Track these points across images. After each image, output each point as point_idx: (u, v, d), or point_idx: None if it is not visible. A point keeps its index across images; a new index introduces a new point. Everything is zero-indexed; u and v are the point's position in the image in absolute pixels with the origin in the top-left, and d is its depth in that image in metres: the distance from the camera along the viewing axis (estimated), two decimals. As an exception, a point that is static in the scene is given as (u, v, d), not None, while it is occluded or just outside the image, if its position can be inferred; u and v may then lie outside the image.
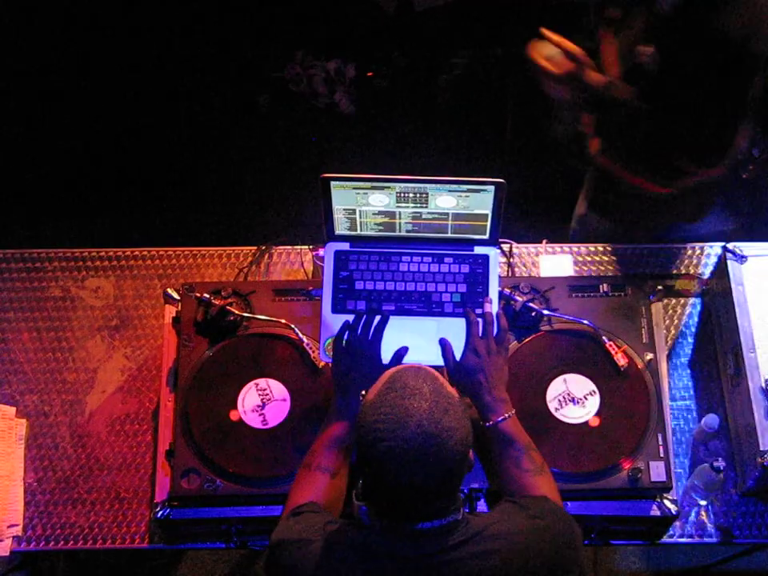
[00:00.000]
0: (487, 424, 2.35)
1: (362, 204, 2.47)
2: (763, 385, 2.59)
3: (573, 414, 2.59)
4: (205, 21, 4.76)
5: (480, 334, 2.42)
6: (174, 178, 4.63)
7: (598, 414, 2.58)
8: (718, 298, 2.88)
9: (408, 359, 2.42)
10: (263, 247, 3.06)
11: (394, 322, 2.46)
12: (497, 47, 4.73)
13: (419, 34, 4.84)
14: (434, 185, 2.41)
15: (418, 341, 2.47)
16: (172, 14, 4.70)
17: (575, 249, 3.04)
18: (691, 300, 2.96)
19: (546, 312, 2.68)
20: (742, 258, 2.78)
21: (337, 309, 2.52)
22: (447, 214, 2.48)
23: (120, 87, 4.68)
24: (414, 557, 1.93)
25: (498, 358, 2.41)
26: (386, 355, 2.43)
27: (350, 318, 2.43)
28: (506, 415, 2.34)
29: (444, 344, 2.42)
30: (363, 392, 2.30)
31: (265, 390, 2.63)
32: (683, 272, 2.99)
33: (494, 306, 2.52)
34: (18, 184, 4.55)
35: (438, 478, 1.85)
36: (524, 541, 1.97)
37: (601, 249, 3.04)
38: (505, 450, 2.32)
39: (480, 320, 2.44)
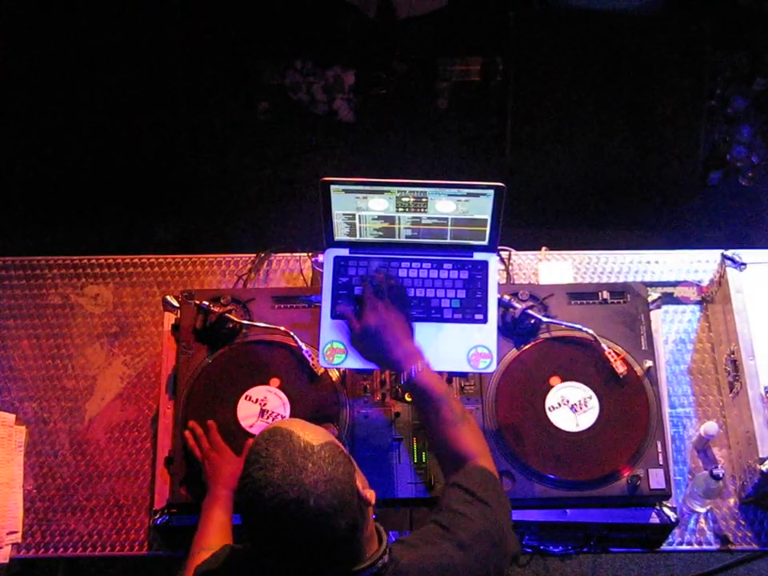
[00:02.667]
0: (402, 381, 2.32)
1: (362, 209, 2.47)
2: (762, 392, 2.59)
3: (572, 422, 2.58)
4: (204, 29, 4.76)
5: (374, 294, 2.41)
6: (173, 186, 4.63)
7: (597, 421, 2.58)
8: (717, 305, 2.88)
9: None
10: (262, 254, 3.06)
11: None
12: (494, 54, 4.73)
13: (412, 39, 4.84)
14: (433, 189, 2.41)
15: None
16: (171, 22, 4.69)
17: (575, 256, 3.04)
18: (690, 307, 2.96)
19: (545, 319, 2.68)
20: (741, 265, 2.78)
21: (336, 315, 2.52)
22: (447, 219, 2.48)
23: (119, 94, 4.67)
24: None
25: (398, 313, 2.39)
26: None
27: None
28: (418, 367, 2.29)
29: (343, 312, 2.43)
30: None
31: (264, 397, 2.63)
32: (682, 279, 2.99)
33: (491, 310, 2.52)
34: (17, 191, 4.55)
35: (317, 534, 1.78)
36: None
37: (600, 256, 3.04)
38: (425, 403, 2.30)
39: (372, 279, 2.46)
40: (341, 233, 2.55)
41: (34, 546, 2.71)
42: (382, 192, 2.42)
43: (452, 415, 2.26)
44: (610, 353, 2.62)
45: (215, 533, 2.34)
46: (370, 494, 1.88)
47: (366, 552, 1.90)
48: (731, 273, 2.77)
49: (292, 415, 2.61)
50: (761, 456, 2.52)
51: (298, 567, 1.85)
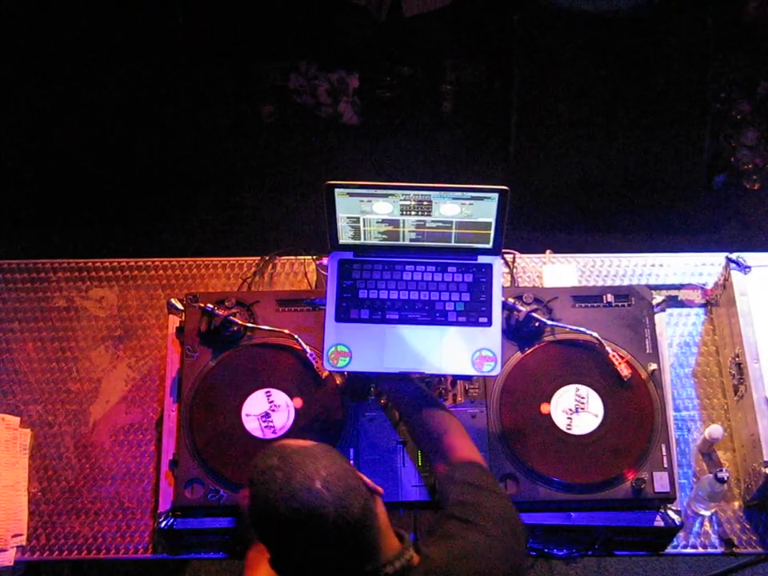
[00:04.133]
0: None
1: (366, 212, 2.47)
2: (767, 395, 2.58)
3: (576, 425, 2.58)
4: (208, 32, 4.76)
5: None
6: (177, 189, 4.64)
7: (601, 424, 2.58)
8: (721, 308, 2.88)
9: (410, 368, 2.44)
10: (267, 257, 3.06)
11: (398, 331, 2.47)
12: (499, 58, 4.73)
13: (417, 42, 4.84)
14: (437, 192, 2.41)
15: (421, 350, 2.47)
16: (175, 25, 4.70)
17: (579, 259, 3.04)
18: (695, 310, 2.96)
19: (549, 322, 2.68)
20: (745, 268, 2.78)
21: (340, 318, 2.52)
22: (451, 222, 2.48)
23: (123, 97, 4.69)
24: None
25: None
26: (389, 364, 2.44)
27: (355, 326, 2.47)
28: None
29: None
30: None
31: (268, 400, 2.64)
32: (687, 282, 2.99)
33: (495, 313, 2.52)
34: (22, 194, 4.56)
35: (332, 520, 1.79)
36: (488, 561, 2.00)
37: (604, 259, 3.04)
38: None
39: None
40: (345, 236, 2.55)
41: (38, 548, 2.72)
42: (386, 195, 2.42)
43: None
44: (614, 356, 2.62)
45: None
46: (378, 488, 1.92)
47: (387, 549, 1.91)
48: (736, 276, 2.77)
49: (296, 419, 2.61)
50: (765, 459, 2.51)
51: (320, 571, 1.87)
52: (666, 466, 2.54)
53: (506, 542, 2.05)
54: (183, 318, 2.77)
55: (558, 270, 2.99)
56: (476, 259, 2.57)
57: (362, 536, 1.84)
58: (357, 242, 2.56)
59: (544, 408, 2.60)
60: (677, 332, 2.92)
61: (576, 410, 2.60)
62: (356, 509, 1.81)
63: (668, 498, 2.54)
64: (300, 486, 1.78)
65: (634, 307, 2.73)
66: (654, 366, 2.64)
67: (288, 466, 1.82)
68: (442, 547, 2.00)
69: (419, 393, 2.47)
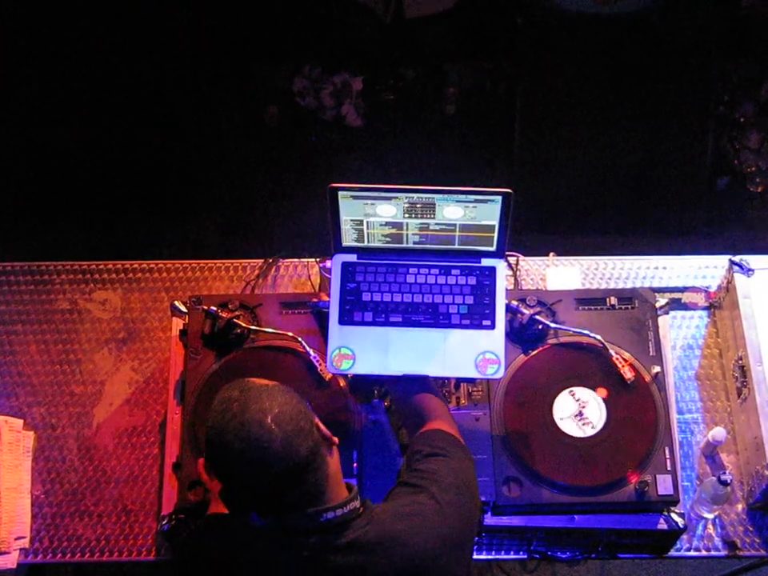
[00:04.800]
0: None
1: (370, 215, 2.47)
2: (770, 398, 2.59)
3: (580, 427, 2.58)
4: (212, 34, 4.77)
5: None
6: (181, 191, 4.64)
7: (604, 427, 2.58)
8: (725, 310, 2.88)
9: (414, 371, 2.43)
10: (270, 260, 3.06)
11: (401, 333, 2.47)
12: (503, 59, 4.74)
13: (420, 44, 4.84)
14: (441, 195, 2.41)
15: (424, 352, 2.47)
16: (179, 27, 4.71)
17: (582, 262, 3.04)
18: (698, 313, 2.96)
19: (552, 325, 2.68)
20: (748, 271, 2.78)
21: (344, 320, 2.52)
22: (454, 225, 2.48)
23: (127, 99, 4.69)
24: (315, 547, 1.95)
25: None
26: (392, 367, 2.44)
27: (358, 329, 2.47)
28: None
29: None
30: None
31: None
32: (690, 285, 2.99)
33: (499, 316, 2.52)
34: (26, 197, 4.56)
35: (279, 456, 1.85)
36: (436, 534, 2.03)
37: (608, 262, 3.04)
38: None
39: None
40: (349, 239, 2.55)
41: (41, 551, 2.72)
42: (389, 198, 2.42)
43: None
44: (617, 358, 2.62)
45: None
46: (334, 438, 2.00)
47: (334, 496, 1.96)
48: (739, 279, 2.77)
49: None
50: (769, 462, 2.52)
51: (266, 507, 1.94)
52: (669, 468, 2.54)
53: (458, 508, 2.08)
54: (187, 320, 2.77)
55: (562, 273, 2.99)
56: (479, 262, 2.57)
57: (307, 478, 1.90)
58: (360, 244, 2.56)
59: (547, 411, 2.60)
60: (680, 335, 2.92)
61: (580, 412, 2.60)
62: (303, 450, 1.87)
63: (671, 501, 2.54)
64: (251, 419, 1.86)
65: (637, 310, 2.73)
66: (657, 369, 2.64)
67: (245, 398, 1.91)
68: (387, 505, 2.06)
69: (420, 383, 2.47)
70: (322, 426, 1.98)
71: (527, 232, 3.95)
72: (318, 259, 2.98)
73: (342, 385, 2.67)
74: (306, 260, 3.07)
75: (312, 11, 4.74)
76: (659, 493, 2.51)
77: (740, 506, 2.70)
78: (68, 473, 2.80)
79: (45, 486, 2.79)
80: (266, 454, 1.85)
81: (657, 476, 2.53)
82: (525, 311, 2.67)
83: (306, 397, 2.58)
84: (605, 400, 2.60)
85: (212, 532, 2.11)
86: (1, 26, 4.48)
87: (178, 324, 2.80)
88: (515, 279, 3.00)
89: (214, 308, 2.70)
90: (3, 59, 4.53)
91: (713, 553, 2.67)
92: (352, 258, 2.58)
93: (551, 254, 3.05)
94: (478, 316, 2.52)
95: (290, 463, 1.86)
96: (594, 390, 2.62)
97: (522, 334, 2.70)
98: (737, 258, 2.80)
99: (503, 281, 2.56)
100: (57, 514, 2.76)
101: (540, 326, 2.68)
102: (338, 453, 2.02)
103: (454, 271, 2.56)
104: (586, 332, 2.66)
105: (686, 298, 2.98)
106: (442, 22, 4.74)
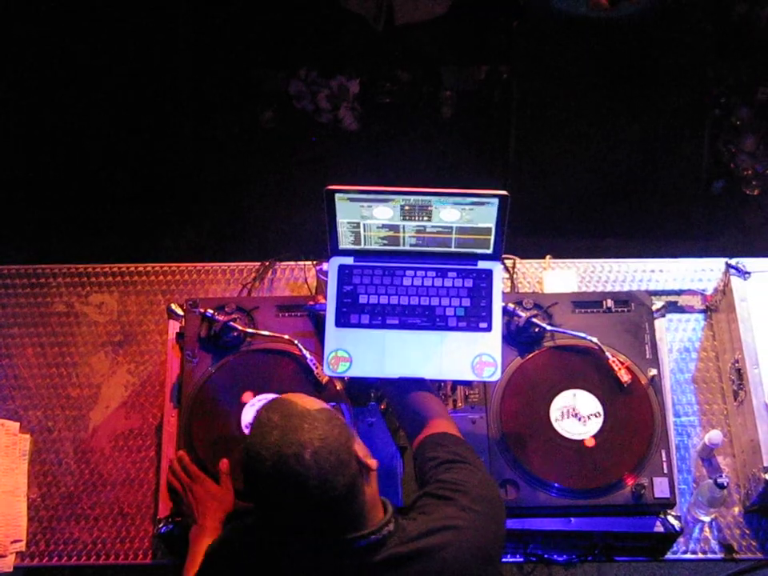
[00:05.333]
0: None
1: (367, 217, 2.47)
2: (767, 401, 2.58)
3: (576, 430, 2.58)
4: (209, 38, 4.77)
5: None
6: (178, 194, 4.64)
7: (601, 429, 2.58)
8: (721, 313, 2.88)
9: (411, 373, 2.43)
10: (267, 263, 3.06)
11: (398, 336, 2.47)
12: (499, 62, 4.74)
13: (416, 48, 4.85)
14: (438, 197, 2.41)
15: (421, 355, 2.47)
16: (176, 31, 4.71)
17: (579, 264, 3.05)
18: (695, 316, 2.96)
19: (549, 328, 2.68)
20: (745, 274, 2.78)
21: (340, 323, 2.52)
22: (451, 227, 2.48)
23: (123, 102, 4.69)
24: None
25: None
26: (389, 369, 2.44)
27: (355, 331, 2.48)
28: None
29: None
30: None
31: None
32: (686, 288, 3.00)
33: (496, 319, 2.52)
34: (22, 199, 4.56)
35: (315, 490, 1.82)
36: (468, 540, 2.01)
37: (604, 265, 3.05)
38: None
39: None
40: (345, 241, 2.55)
41: (37, 554, 2.71)
42: (386, 201, 2.42)
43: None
44: (614, 361, 2.62)
45: None
46: (372, 462, 1.95)
47: (370, 520, 1.94)
48: (735, 281, 2.77)
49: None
50: (765, 465, 2.52)
51: (299, 532, 1.91)
52: (665, 471, 2.54)
53: (488, 518, 2.06)
54: (183, 323, 2.77)
55: (558, 276, 2.99)
56: (476, 264, 2.57)
57: (343, 508, 1.88)
58: (357, 247, 2.56)
59: (544, 413, 2.60)
60: (677, 337, 2.92)
61: (576, 415, 2.60)
62: (340, 485, 1.84)
63: (668, 504, 2.54)
64: (290, 452, 1.82)
65: (633, 313, 2.73)
66: (653, 372, 2.64)
67: (286, 426, 1.86)
68: (419, 520, 2.02)
69: (416, 385, 2.46)
70: (360, 452, 1.93)
71: (524, 234, 3.95)
72: (314, 262, 2.98)
73: (338, 388, 2.67)
74: (302, 263, 3.07)
75: (308, 16, 4.75)
76: (656, 496, 2.51)
77: (737, 509, 2.70)
78: (64, 476, 2.80)
79: (41, 489, 2.78)
80: (303, 488, 1.81)
81: (653, 479, 2.52)
82: (521, 314, 2.67)
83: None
84: (601, 402, 2.60)
85: (243, 543, 2.08)
86: (4, 31, 4.49)
87: (174, 327, 2.80)
88: (512, 282, 3.01)
89: (211, 311, 2.70)
90: (5, 64, 4.54)
91: (709, 556, 2.67)
92: (348, 260, 2.58)
93: (548, 256, 3.05)
94: (475, 318, 2.52)
95: (325, 497, 1.83)
96: (591, 393, 2.62)
97: (518, 337, 2.70)
98: (733, 261, 2.80)
99: (500, 283, 2.56)
100: (53, 517, 2.75)
101: (536, 329, 2.68)
102: (374, 477, 1.98)
103: (450, 274, 2.56)
104: (582, 335, 2.66)
105: (682, 300, 2.98)
106: (434, 28, 4.75)
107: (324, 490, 1.82)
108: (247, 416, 2.62)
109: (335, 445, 1.86)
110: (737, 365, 2.72)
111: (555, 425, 2.59)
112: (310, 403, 1.94)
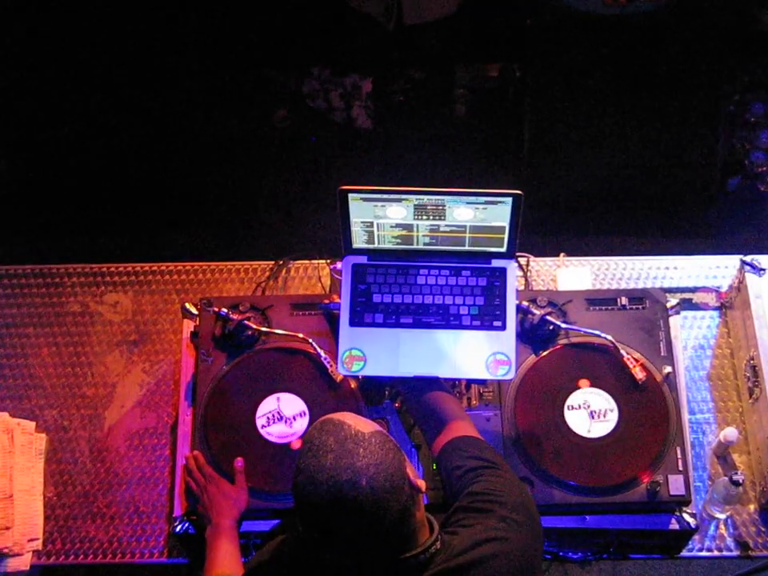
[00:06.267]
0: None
1: (380, 217, 2.47)
2: (782, 398, 2.58)
3: (591, 428, 2.58)
4: (222, 37, 4.77)
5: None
6: (191, 193, 4.64)
7: (616, 427, 2.58)
8: (736, 310, 2.87)
9: (425, 372, 2.44)
10: (281, 262, 3.07)
11: (412, 335, 2.48)
12: (512, 61, 4.74)
13: (428, 47, 4.84)
14: (451, 197, 2.41)
15: (435, 353, 2.48)
16: (190, 32, 4.71)
17: (593, 262, 3.04)
18: (709, 313, 2.95)
19: (563, 325, 2.67)
20: (760, 271, 2.77)
21: (354, 322, 2.53)
22: (465, 226, 2.48)
23: (138, 102, 4.70)
24: None
25: None
26: (403, 368, 2.45)
27: (369, 330, 2.49)
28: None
29: None
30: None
31: (283, 404, 2.64)
32: (701, 285, 2.99)
33: (510, 317, 2.52)
34: (37, 200, 4.57)
35: (370, 516, 1.80)
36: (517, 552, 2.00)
37: (618, 262, 3.04)
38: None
39: None
40: (359, 240, 2.55)
41: (54, 552, 2.72)
42: (399, 200, 2.43)
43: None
44: (628, 359, 2.61)
45: (225, 561, 2.38)
46: (421, 483, 1.92)
47: (419, 539, 1.92)
48: (750, 278, 2.77)
49: (311, 423, 2.61)
50: (781, 462, 2.51)
51: (351, 554, 1.88)
52: (681, 468, 2.53)
53: (528, 525, 2.05)
54: (198, 322, 2.77)
55: (573, 273, 2.99)
56: (490, 263, 2.57)
57: (395, 531, 1.86)
58: (371, 246, 2.57)
59: (559, 411, 2.60)
60: (691, 335, 2.92)
61: (591, 413, 2.60)
62: (394, 510, 1.82)
63: (683, 501, 2.53)
64: (346, 478, 1.79)
65: (648, 310, 2.73)
66: (668, 369, 2.64)
67: (341, 451, 1.82)
68: (461, 535, 2.00)
69: (431, 383, 2.47)
70: (411, 475, 1.91)
71: (538, 232, 3.95)
72: (328, 261, 2.99)
73: (353, 386, 2.67)
74: (316, 261, 3.07)
75: (321, 15, 4.74)
76: (671, 493, 2.51)
77: (752, 507, 2.69)
78: (80, 475, 2.81)
79: (57, 488, 2.80)
80: (358, 514, 1.79)
81: (668, 476, 2.52)
82: (535, 312, 2.67)
83: (318, 398, 2.62)
84: (616, 400, 2.60)
85: (289, 558, 2.06)
86: (7, 32, 4.50)
87: (188, 326, 2.80)
88: (526, 280, 3.00)
89: (225, 310, 2.71)
90: (19, 66, 4.56)
91: (725, 553, 2.67)
92: (362, 259, 2.59)
93: (562, 254, 3.05)
94: (489, 317, 2.52)
95: (379, 522, 1.81)
96: (606, 391, 2.61)
97: (532, 335, 2.70)
98: (748, 258, 2.80)
99: (514, 281, 2.56)
100: (69, 515, 2.76)
101: (551, 327, 2.68)
102: (422, 499, 1.97)
103: (464, 272, 2.56)
104: (596, 332, 2.66)
105: (697, 298, 2.97)
106: (447, 26, 4.74)
107: (379, 515, 1.80)
108: (262, 414, 2.63)
109: (390, 470, 1.84)
110: (752, 362, 2.71)
111: (570, 422, 2.59)
112: (362, 425, 1.90)
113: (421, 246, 2.56)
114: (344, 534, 1.83)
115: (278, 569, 2.05)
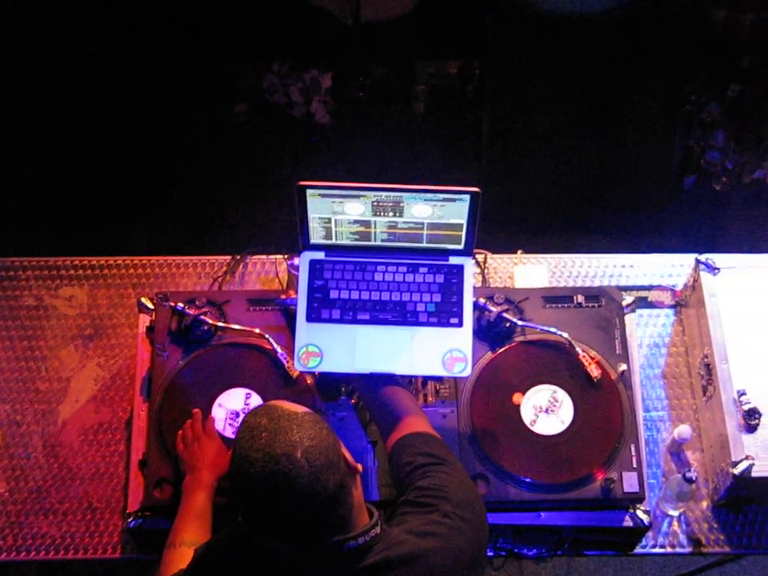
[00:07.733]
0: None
1: (338, 213, 2.47)
2: (735, 396, 2.60)
3: (546, 425, 2.59)
4: (182, 31, 4.74)
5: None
6: (149, 187, 4.61)
7: (571, 424, 2.59)
8: (691, 309, 2.89)
9: (381, 369, 2.44)
10: (238, 257, 3.06)
11: (369, 331, 2.47)
12: (472, 59, 4.75)
13: (388, 43, 4.84)
14: (409, 194, 2.41)
15: (392, 350, 2.48)
16: (150, 27, 4.68)
17: (550, 260, 3.05)
18: (665, 311, 2.97)
19: (520, 323, 2.68)
20: (714, 270, 2.79)
21: (311, 318, 2.52)
22: (422, 223, 2.48)
23: (96, 96, 4.66)
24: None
25: None
26: (360, 365, 2.45)
27: (326, 326, 2.49)
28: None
29: None
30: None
31: (239, 399, 2.63)
32: (657, 283, 3.01)
33: (467, 314, 2.53)
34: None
35: (307, 490, 1.81)
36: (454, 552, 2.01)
37: (575, 260, 3.06)
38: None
39: None
40: (316, 236, 2.55)
41: (5, 549, 2.69)
42: (358, 196, 2.42)
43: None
44: (584, 356, 2.63)
45: (196, 523, 2.36)
46: (358, 465, 1.95)
47: (357, 523, 1.93)
48: (705, 277, 2.79)
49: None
50: (733, 459, 2.53)
51: (289, 537, 1.89)
52: (635, 466, 2.55)
53: (471, 525, 2.05)
54: (153, 317, 2.76)
55: (529, 271, 3.00)
56: (447, 260, 2.57)
57: (333, 510, 1.86)
58: (328, 242, 2.56)
59: (514, 408, 2.61)
60: (646, 333, 2.94)
61: (546, 410, 2.61)
62: (331, 485, 1.82)
63: (637, 498, 2.55)
64: (281, 452, 1.80)
65: (604, 308, 2.74)
66: (623, 367, 2.65)
67: (275, 428, 1.83)
68: (402, 527, 2.01)
69: (387, 380, 2.48)
70: (347, 456, 1.93)
71: (495, 229, 3.95)
72: (285, 256, 2.97)
73: (309, 382, 2.67)
74: (273, 257, 3.06)
75: (280, 10, 4.73)
76: (625, 490, 2.52)
77: (705, 503, 2.72)
78: (33, 470, 2.78)
79: (9, 484, 2.77)
80: (294, 489, 1.80)
81: (623, 473, 2.54)
82: (492, 309, 2.68)
83: (274, 394, 2.61)
84: (572, 397, 2.61)
85: (231, 548, 2.05)
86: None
87: (144, 321, 2.78)
88: (483, 277, 3.01)
89: (181, 305, 2.70)
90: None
91: (678, 549, 2.69)
92: (320, 255, 2.58)
93: (519, 251, 3.06)
94: (446, 314, 2.52)
95: (317, 499, 1.81)
96: (561, 388, 2.63)
97: (489, 332, 2.70)
98: (703, 257, 2.82)
99: (471, 279, 2.56)
100: (21, 511, 2.74)
101: (507, 324, 2.69)
102: (360, 481, 1.98)
103: (421, 269, 2.56)
104: (552, 330, 2.67)
105: (652, 296, 2.99)
106: (407, 23, 4.74)
107: (315, 489, 1.81)
108: (218, 408, 2.62)
109: (324, 445, 1.85)
110: (706, 360, 2.73)
111: (525, 419, 2.60)
112: (295, 407, 1.92)
113: (378, 243, 2.55)
114: (281, 512, 1.83)
115: (220, 560, 2.05)
